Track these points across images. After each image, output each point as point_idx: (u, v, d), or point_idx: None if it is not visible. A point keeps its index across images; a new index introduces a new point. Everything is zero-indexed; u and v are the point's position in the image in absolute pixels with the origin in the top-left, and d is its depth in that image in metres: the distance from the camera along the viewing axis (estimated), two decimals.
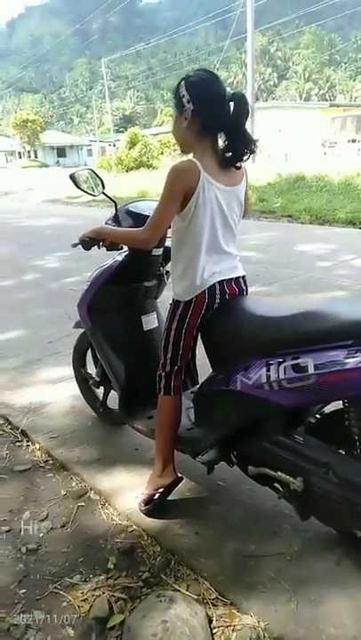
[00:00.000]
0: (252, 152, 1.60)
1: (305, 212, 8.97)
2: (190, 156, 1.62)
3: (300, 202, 9.78)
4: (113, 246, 1.96)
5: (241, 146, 1.58)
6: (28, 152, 50.36)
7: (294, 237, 7.40)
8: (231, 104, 1.54)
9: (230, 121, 1.55)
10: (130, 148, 21.69)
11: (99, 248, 1.93)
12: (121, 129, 51.56)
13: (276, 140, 26.04)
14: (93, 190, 2.06)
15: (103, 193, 2.07)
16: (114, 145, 38.40)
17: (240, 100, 1.54)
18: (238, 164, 1.62)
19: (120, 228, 1.97)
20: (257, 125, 18.65)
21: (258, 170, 13.14)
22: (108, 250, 1.97)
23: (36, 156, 49.79)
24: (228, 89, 1.57)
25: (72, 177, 1.98)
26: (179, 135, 1.66)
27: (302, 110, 32.13)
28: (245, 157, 1.61)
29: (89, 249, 1.91)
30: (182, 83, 1.59)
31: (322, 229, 8.09)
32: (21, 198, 17.59)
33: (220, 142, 1.61)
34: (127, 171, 20.22)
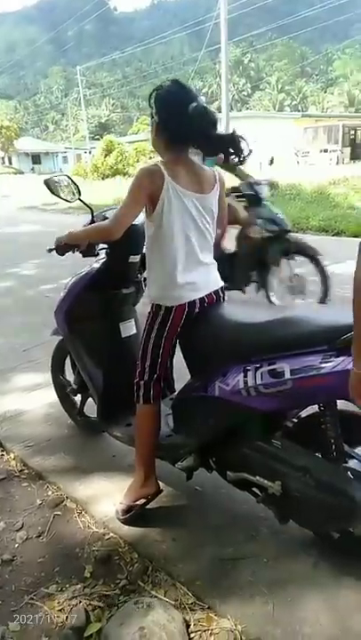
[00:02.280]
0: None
1: None
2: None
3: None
4: (88, 252, 1.96)
5: (212, 148, 1.63)
6: (2, 159, 49.73)
7: None
8: (193, 117, 1.56)
9: (195, 133, 1.59)
10: (105, 156, 21.68)
11: (73, 253, 1.93)
12: (97, 136, 51.39)
13: (251, 149, 26.43)
14: (69, 196, 2.05)
15: (79, 199, 2.07)
16: (89, 152, 38.29)
17: (200, 112, 1.56)
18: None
19: (88, 226, 1.95)
20: None
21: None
22: (83, 256, 1.97)
23: (10, 163, 49.16)
24: (198, 100, 1.58)
25: (46, 183, 1.97)
26: (153, 143, 1.72)
27: (276, 120, 32.71)
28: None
29: (63, 254, 1.90)
30: (152, 94, 1.63)
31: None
32: None
33: (189, 151, 1.65)
34: (103, 178, 20.19)
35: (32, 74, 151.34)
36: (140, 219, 1.74)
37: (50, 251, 1.93)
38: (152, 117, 1.64)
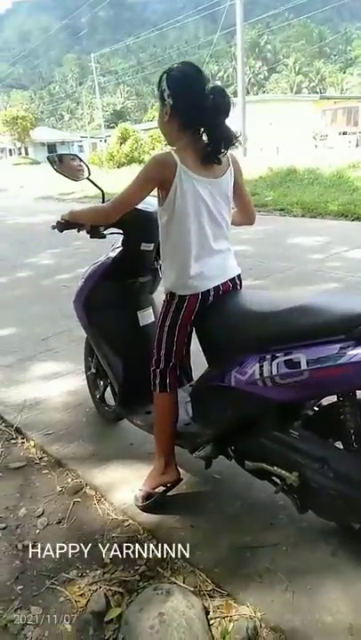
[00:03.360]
0: (232, 145, 1.58)
1: (297, 205, 8.96)
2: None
3: (292, 195, 9.77)
4: (95, 234, 1.92)
5: (220, 141, 1.55)
6: (19, 149, 49.95)
7: (287, 230, 7.40)
8: (211, 97, 1.51)
9: (210, 116, 1.53)
10: (121, 144, 21.56)
11: (78, 232, 1.90)
12: (112, 124, 51.20)
13: (268, 133, 26.01)
14: (76, 175, 1.97)
15: (88, 179, 1.99)
16: (105, 141, 38.18)
17: (219, 93, 1.52)
18: (219, 159, 1.59)
19: (87, 207, 1.90)
20: (248, 119, 18.63)
21: (249, 163, 13.10)
22: (90, 237, 1.93)
23: (26, 153, 49.38)
24: (212, 83, 1.55)
25: (50, 158, 1.91)
26: (162, 128, 1.67)
27: (293, 103, 32.08)
28: (223, 152, 1.58)
29: (62, 231, 1.87)
30: (164, 76, 1.58)
31: (314, 222, 8.09)
32: (13, 196, 17.46)
33: (204, 136, 1.59)
34: (118, 166, 20.10)
35: (46, 63, 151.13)
36: (154, 206, 1.71)
37: (53, 228, 1.91)
38: (163, 100, 1.58)
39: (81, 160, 2.00)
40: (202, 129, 1.58)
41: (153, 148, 20.99)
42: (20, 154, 49.21)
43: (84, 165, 2.00)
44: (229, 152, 1.66)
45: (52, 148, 50.48)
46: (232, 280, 1.74)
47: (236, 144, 1.58)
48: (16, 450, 2.33)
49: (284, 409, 1.56)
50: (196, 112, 1.53)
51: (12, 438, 2.42)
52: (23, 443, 2.38)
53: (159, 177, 1.55)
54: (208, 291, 1.66)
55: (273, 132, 26.78)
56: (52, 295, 4.71)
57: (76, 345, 3.15)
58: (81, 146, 51.77)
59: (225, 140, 1.56)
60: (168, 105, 1.57)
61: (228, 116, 1.55)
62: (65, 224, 1.85)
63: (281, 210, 9.13)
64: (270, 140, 24.33)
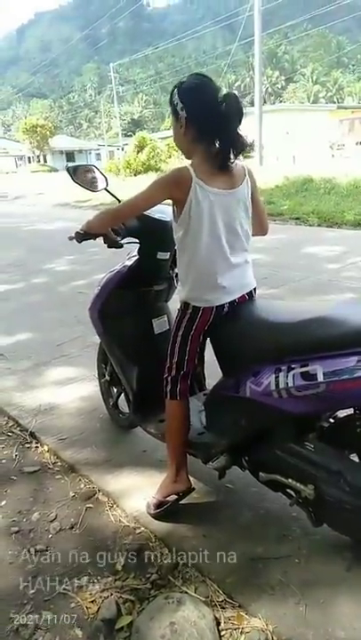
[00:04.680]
0: (243, 152, 1.58)
1: (313, 215, 8.93)
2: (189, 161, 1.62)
3: (308, 204, 9.75)
4: (113, 243, 1.93)
5: (230, 147, 1.55)
6: (38, 157, 50.73)
7: (302, 240, 7.38)
8: (224, 105, 1.51)
9: (224, 123, 1.52)
10: (138, 152, 21.75)
11: (94, 240, 1.90)
12: (129, 133, 51.73)
13: (284, 142, 26.02)
14: (94, 186, 1.99)
15: (106, 189, 2.01)
16: (122, 149, 38.59)
17: (233, 100, 1.52)
18: (232, 163, 1.59)
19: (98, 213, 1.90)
20: (265, 128, 18.66)
21: (266, 172, 13.13)
22: (108, 247, 1.95)
23: (45, 161, 50.14)
24: (224, 90, 1.55)
25: (68, 169, 1.93)
26: (178, 142, 1.67)
27: (310, 113, 32.11)
28: (233, 158, 1.58)
29: (80, 242, 1.89)
30: (175, 90, 1.59)
31: (330, 232, 8.05)
32: (31, 202, 17.73)
33: (216, 145, 1.59)
34: (135, 174, 20.27)
35: (66, 72, 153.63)
36: (170, 215, 1.72)
37: (71, 239, 1.92)
38: (176, 114, 1.58)
39: (99, 171, 2.03)
40: (217, 138, 1.57)
41: (170, 157, 21.14)
42: (39, 161, 49.98)
43: (102, 176, 2.02)
44: (244, 163, 1.67)
45: (70, 155, 51.25)
46: (248, 292, 1.74)
47: (249, 151, 1.58)
48: (30, 454, 2.35)
49: (299, 420, 1.55)
50: (211, 121, 1.53)
51: (27, 442, 2.44)
52: (37, 447, 2.40)
53: (171, 193, 1.56)
54: (223, 304, 1.67)
55: (289, 141, 26.80)
56: (67, 301, 4.76)
57: (91, 351, 3.17)
58: (98, 154, 52.42)
59: (236, 146, 1.55)
60: (182, 118, 1.57)
61: (240, 123, 1.54)
62: (83, 234, 1.87)
63: (297, 219, 9.10)
64: (287, 149, 24.34)
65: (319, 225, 8.59)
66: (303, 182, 11.93)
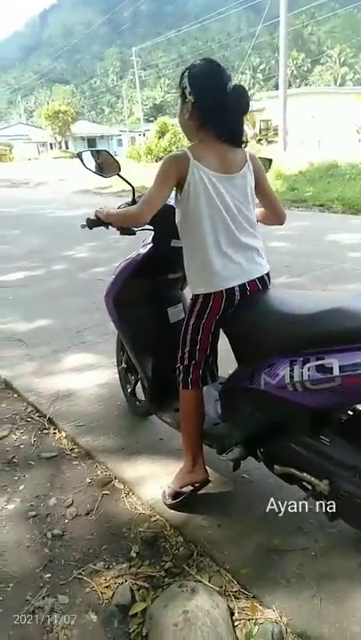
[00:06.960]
0: (235, 145, 1.63)
1: (338, 202, 8.75)
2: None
3: (333, 190, 9.54)
4: (125, 230, 1.90)
5: (233, 139, 1.60)
6: (59, 143, 50.80)
7: (326, 227, 7.23)
8: (233, 95, 1.52)
9: (230, 113, 1.54)
10: (159, 138, 21.60)
11: (107, 228, 1.89)
12: (151, 118, 51.33)
13: (309, 126, 25.43)
14: (106, 172, 1.96)
15: (119, 175, 1.97)
16: (143, 135, 38.33)
17: (241, 92, 1.53)
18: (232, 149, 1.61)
19: (116, 210, 1.88)
20: (289, 112, 18.25)
21: (289, 158, 12.87)
22: (121, 233, 1.93)
23: (67, 147, 50.18)
24: (232, 81, 1.55)
25: (79, 154, 1.92)
26: (182, 125, 1.67)
27: (336, 96, 31.17)
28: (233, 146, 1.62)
29: (91, 228, 1.88)
30: (185, 73, 1.58)
31: (355, 219, 7.87)
32: (53, 189, 17.82)
33: (218, 133, 1.60)
34: (157, 160, 20.15)
35: (88, 57, 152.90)
36: None
37: (83, 226, 1.91)
38: (184, 98, 1.59)
39: (111, 156, 1.99)
40: (219, 127, 1.58)
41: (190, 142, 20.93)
42: (61, 147, 50.05)
43: (115, 161, 1.98)
44: (247, 149, 1.67)
45: (91, 141, 51.17)
46: (261, 279, 1.69)
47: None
48: (48, 440, 2.38)
49: (314, 414, 1.51)
50: (217, 110, 1.54)
51: (45, 428, 2.47)
52: (55, 433, 2.43)
53: (173, 173, 1.55)
54: (233, 289, 1.63)
55: (315, 125, 26.17)
56: (87, 288, 4.78)
57: (110, 338, 3.18)
58: (120, 140, 52.22)
59: (236, 136, 1.60)
60: (189, 102, 1.57)
61: (245, 114, 1.58)
62: (95, 221, 1.85)
63: (320, 206, 8.93)
64: (312, 133, 23.79)
65: (344, 212, 8.40)
66: (328, 168, 11.67)
